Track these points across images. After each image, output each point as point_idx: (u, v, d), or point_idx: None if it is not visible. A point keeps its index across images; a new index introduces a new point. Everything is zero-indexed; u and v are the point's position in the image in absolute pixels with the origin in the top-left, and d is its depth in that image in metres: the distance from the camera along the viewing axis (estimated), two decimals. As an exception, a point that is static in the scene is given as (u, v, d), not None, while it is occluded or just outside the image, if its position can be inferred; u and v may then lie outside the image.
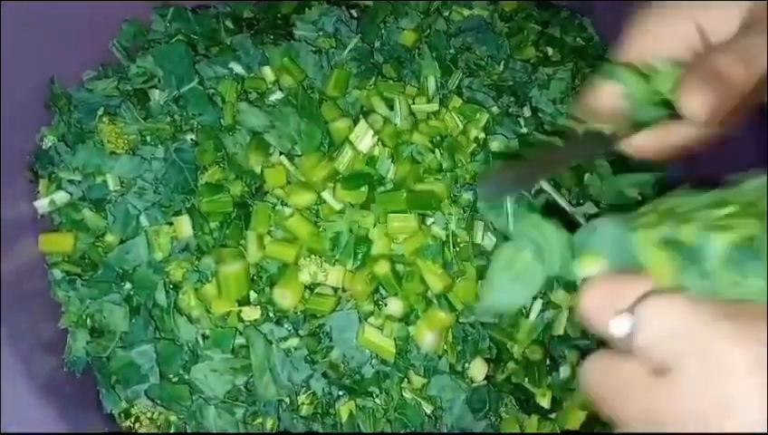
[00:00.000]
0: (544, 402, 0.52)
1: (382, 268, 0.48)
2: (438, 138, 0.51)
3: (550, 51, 0.62)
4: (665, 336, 0.24)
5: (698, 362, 0.24)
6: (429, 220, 0.49)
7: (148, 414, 0.44)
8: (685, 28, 0.33)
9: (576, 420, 0.53)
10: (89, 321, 0.46)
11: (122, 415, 0.45)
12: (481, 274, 0.49)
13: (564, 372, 0.53)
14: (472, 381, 0.50)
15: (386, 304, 0.48)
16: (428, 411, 0.49)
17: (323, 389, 0.46)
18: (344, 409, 0.47)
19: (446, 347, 0.49)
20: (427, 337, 0.48)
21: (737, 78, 0.30)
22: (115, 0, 0.54)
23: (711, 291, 0.25)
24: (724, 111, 0.30)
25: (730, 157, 0.39)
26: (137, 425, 0.44)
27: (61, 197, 0.49)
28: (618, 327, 0.26)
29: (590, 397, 0.27)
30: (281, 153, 0.51)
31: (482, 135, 0.52)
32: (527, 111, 0.56)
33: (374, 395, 0.47)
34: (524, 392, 0.52)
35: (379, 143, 0.51)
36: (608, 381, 0.26)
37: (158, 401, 0.44)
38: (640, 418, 0.26)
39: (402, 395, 0.48)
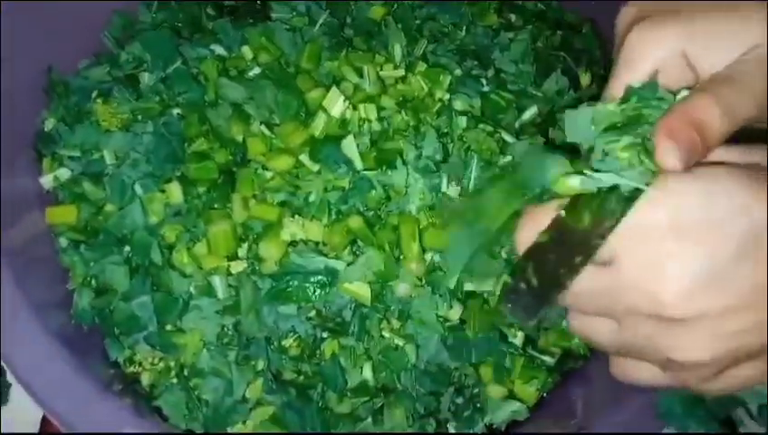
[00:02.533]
0: (517, 341, 0.56)
1: (355, 222, 0.52)
2: (402, 99, 0.55)
3: (513, 17, 0.66)
4: None
5: (631, 242, 0.28)
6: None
7: (149, 360, 0.49)
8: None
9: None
10: (93, 281, 0.51)
11: (127, 362, 0.50)
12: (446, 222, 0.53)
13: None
14: (446, 321, 0.54)
15: (363, 253, 0.53)
16: (411, 357, 0.53)
17: (307, 331, 0.50)
18: (327, 349, 0.51)
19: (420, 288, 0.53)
20: (399, 287, 0.53)
21: (717, 133, 0.29)
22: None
23: None
24: (697, 159, 0.29)
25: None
26: (140, 369, 0.49)
27: (63, 173, 0.54)
28: None
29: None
30: (261, 123, 0.55)
31: (446, 96, 0.56)
32: (491, 73, 0.60)
33: (354, 335, 0.51)
34: (498, 333, 0.56)
35: (351, 108, 0.55)
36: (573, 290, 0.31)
37: (157, 348, 0.49)
38: (600, 306, 0.31)
39: (382, 335, 0.52)
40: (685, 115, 0.28)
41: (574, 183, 0.30)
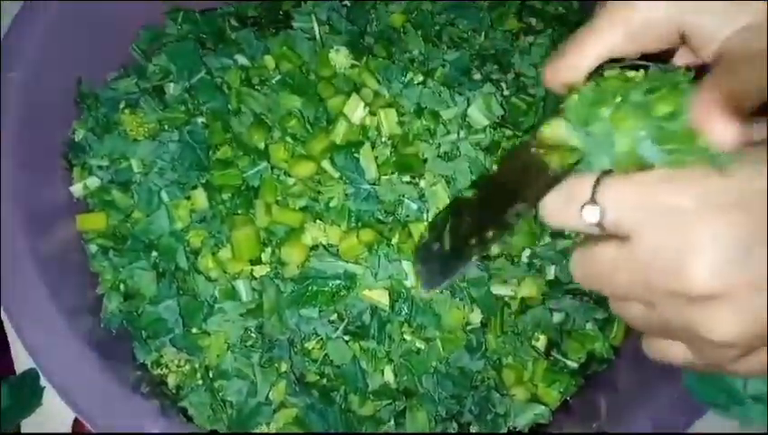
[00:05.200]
0: (540, 344, 0.56)
1: (367, 235, 0.52)
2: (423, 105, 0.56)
3: (533, 21, 0.66)
4: (625, 209, 0.29)
5: (654, 223, 0.28)
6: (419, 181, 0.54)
7: (175, 362, 0.50)
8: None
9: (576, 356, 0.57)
10: (122, 286, 0.53)
11: (153, 364, 0.51)
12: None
13: (558, 316, 0.57)
14: (468, 324, 0.54)
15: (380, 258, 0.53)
16: (432, 359, 0.53)
17: (327, 334, 0.51)
18: (348, 351, 0.52)
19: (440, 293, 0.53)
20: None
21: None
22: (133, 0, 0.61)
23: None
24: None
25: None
26: (166, 371, 0.50)
27: (92, 181, 0.56)
28: (589, 215, 0.30)
29: (583, 285, 0.32)
30: (282, 130, 0.56)
31: (464, 100, 0.57)
32: (511, 77, 0.60)
33: (375, 338, 0.52)
34: (521, 336, 0.56)
35: (371, 114, 0.56)
36: (591, 268, 0.31)
37: (183, 350, 0.50)
38: (624, 290, 0.30)
39: (403, 338, 0.53)
40: (724, 91, 0.28)
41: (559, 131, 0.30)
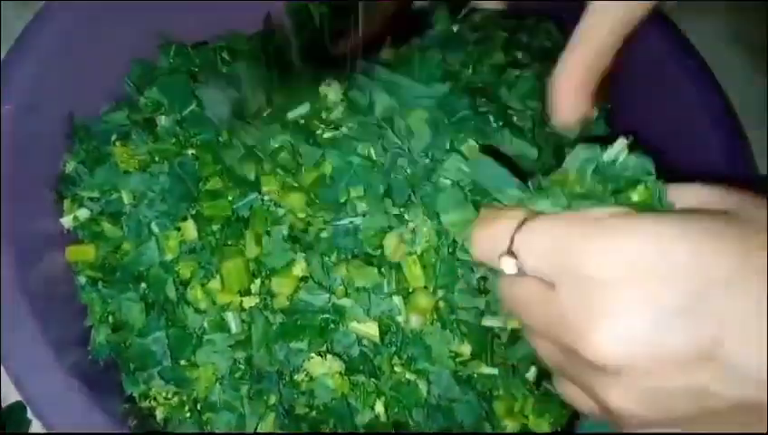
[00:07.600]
0: (530, 375, 0.56)
1: (353, 266, 0.52)
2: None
3: (519, 55, 0.67)
4: (542, 257, 0.28)
5: (570, 282, 0.27)
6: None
7: (163, 394, 0.50)
8: None
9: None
10: (110, 318, 0.53)
11: (141, 397, 0.51)
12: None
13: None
14: (458, 356, 0.54)
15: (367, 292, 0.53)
16: (422, 387, 0.53)
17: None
18: (337, 385, 0.51)
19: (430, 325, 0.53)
20: (411, 318, 0.53)
21: None
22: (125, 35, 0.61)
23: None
24: None
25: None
26: (154, 404, 0.50)
27: (82, 213, 0.56)
28: (507, 267, 0.30)
29: (503, 308, 0.32)
30: (273, 163, 0.57)
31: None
32: (497, 109, 0.61)
33: (364, 371, 0.51)
34: (512, 367, 0.56)
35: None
36: (514, 296, 0.31)
37: (171, 382, 0.50)
38: (537, 328, 0.30)
39: (393, 369, 0.53)
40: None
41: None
